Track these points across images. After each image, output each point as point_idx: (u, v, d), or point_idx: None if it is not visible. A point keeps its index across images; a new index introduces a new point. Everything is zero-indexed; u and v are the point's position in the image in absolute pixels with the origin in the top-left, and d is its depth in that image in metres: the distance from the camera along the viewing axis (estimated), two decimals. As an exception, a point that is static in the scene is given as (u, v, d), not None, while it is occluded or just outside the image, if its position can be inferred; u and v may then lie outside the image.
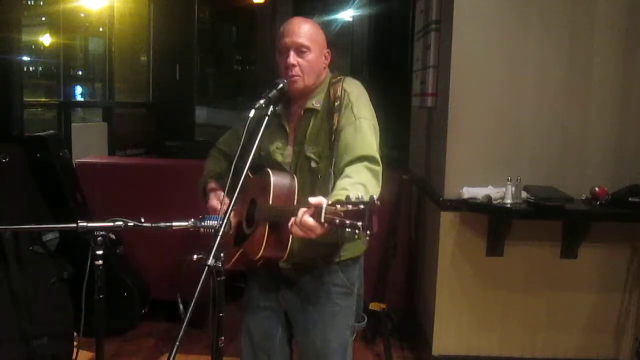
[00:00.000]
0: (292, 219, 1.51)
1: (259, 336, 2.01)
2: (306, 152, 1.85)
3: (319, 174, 1.83)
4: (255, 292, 2.01)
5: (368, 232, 1.35)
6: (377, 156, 1.76)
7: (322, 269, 1.91)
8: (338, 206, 1.39)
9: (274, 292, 1.98)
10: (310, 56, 1.83)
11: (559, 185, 2.85)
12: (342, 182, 1.64)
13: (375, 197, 1.37)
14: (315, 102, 1.88)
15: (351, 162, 1.73)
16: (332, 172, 1.77)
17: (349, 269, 1.94)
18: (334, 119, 1.81)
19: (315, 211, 1.45)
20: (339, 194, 1.54)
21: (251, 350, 2.03)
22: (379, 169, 1.74)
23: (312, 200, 1.48)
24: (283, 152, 1.91)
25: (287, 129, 1.92)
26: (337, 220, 1.38)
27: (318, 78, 1.89)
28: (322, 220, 1.42)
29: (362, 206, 1.35)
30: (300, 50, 1.82)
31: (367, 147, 1.75)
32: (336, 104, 1.82)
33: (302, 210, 1.49)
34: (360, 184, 1.63)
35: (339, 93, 1.84)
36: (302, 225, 1.47)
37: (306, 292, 1.93)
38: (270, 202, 1.73)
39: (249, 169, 1.68)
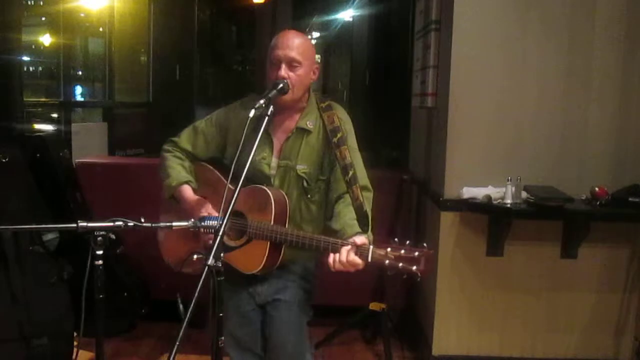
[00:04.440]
0: (332, 255, 1.70)
1: (243, 336, 2.10)
2: (298, 170, 1.95)
3: (308, 193, 1.96)
4: (232, 296, 2.05)
5: (419, 275, 1.60)
6: (369, 184, 1.96)
7: (290, 265, 2.04)
8: (389, 249, 1.61)
9: (246, 291, 2.06)
10: (300, 71, 1.89)
11: (559, 185, 2.85)
12: (348, 211, 1.83)
13: (426, 244, 1.60)
14: (309, 123, 1.97)
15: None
16: (330, 196, 1.96)
17: (309, 263, 2.09)
18: (334, 147, 1.91)
19: (359, 250, 1.66)
20: (353, 224, 1.78)
21: (238, 351, 2.12)
22: (371, 195, 1.96)
23: (357, 240, 1.69)
24: (269, 163, 1.97)
25: (273, 140, 1.98)
26: (387, 262, 1.60)
27: (305, 94, 1.97)
28: (369, 260, 1.63)
29: (417, 253, 1.58)
30: (291, 64, 1.88)
31: (362, 177, 1.93)
32: (339, 134, 1.92)
33: (345, 249, 1.69)
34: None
35: (336, 122, 1.95)
36: (348, 262, 1.67)
37: (274, 281, 2.04)
38: (272, 222, 1.83)
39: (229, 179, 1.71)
